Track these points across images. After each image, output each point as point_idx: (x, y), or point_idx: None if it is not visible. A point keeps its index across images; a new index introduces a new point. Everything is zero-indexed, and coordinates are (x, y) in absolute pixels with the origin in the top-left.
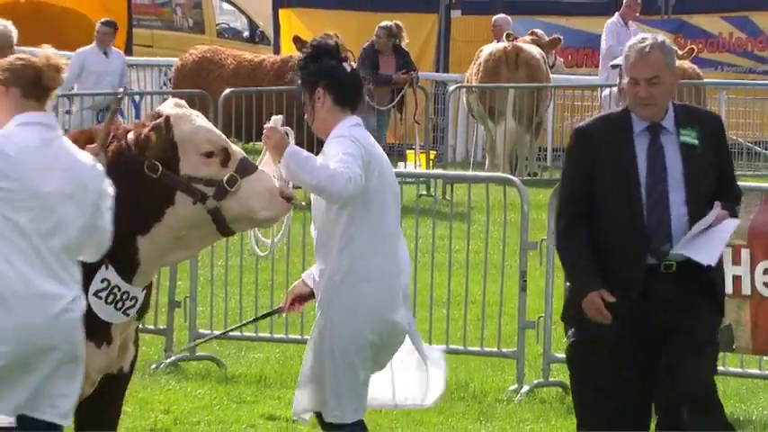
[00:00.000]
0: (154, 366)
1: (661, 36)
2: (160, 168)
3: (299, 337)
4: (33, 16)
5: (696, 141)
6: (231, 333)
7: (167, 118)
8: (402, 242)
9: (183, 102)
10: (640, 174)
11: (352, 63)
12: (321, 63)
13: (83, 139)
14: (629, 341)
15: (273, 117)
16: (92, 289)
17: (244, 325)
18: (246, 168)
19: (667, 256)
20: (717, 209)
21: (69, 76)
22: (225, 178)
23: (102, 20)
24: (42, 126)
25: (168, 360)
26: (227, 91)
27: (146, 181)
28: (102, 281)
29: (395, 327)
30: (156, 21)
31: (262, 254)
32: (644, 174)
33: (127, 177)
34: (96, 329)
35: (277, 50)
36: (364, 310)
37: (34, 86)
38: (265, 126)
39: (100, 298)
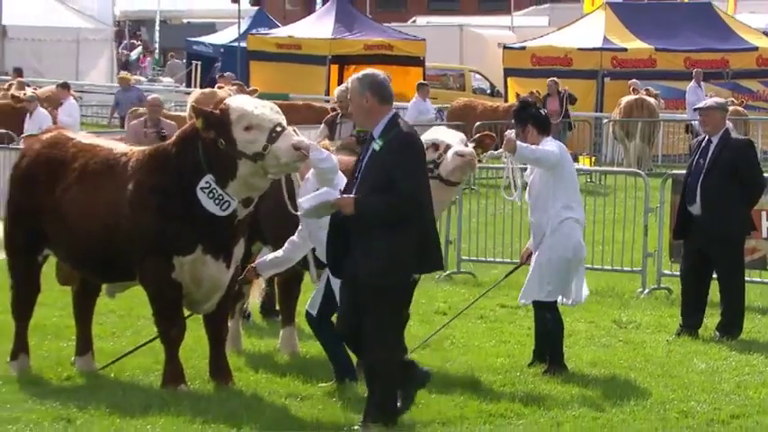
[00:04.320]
0: (437, 277)
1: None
2: None
3: (507, 260)
4: None
5: (378, 148)
6: (491, 260)
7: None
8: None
9: (441, 127)
10: None
11: (544, 110)
12: (528, 111)
13: None
14: None
15: (508, 131)
16: None
17: None
18: (449, 147)
19: None
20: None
21: (410, 114)
22: (436, 157)
23: (421, 82)
24: None
25: (444, 274)
26: (478, 123)
27: None
28: None
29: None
30: (438, 84)
31: (509, 198)
32: None
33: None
34: None
35: (505, 101)
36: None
37: None
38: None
39: None
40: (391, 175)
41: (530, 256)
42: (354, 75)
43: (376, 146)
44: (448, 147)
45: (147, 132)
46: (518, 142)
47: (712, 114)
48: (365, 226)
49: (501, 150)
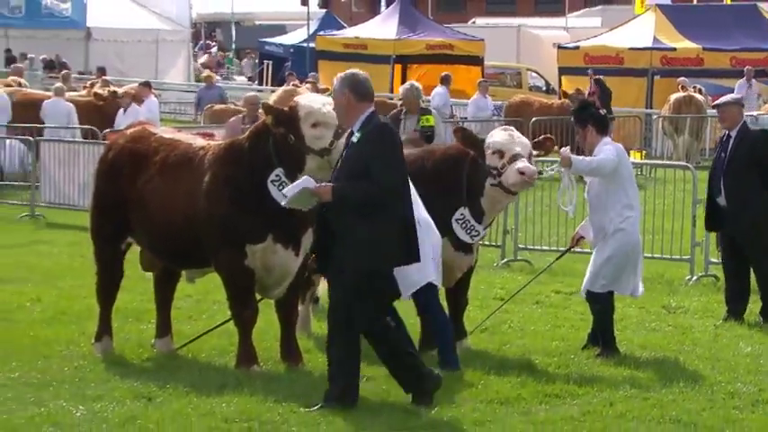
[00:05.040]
0: (495, 264)
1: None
2: (480, 162)
3: (562, 248)
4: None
5: (356, 140)
6: (546, 248)
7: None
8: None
9: (510, 127)
10: None
11: (602, 111)
12: (588, 111)
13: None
14: None
15: (563, 149)
16: (454, 216)
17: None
18: (514, 158)
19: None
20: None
21: (470, 111)
22: (500, 165)
23: (482, 80)
24: None
25: (502, 261)
26: (533, 119)
27: (478, 172)
28: (460, 215)
29: (639, 243)
30: (496, 82)
31: (565, 208)
32: None
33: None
34: (462, 246)
35: (559, 98)
36: (632, 235)
37: None
38: (561, 152)
39: (458, 224)
40: (370, 165)
41: (579, 240)
42: (339, 74)
43: (354, 138)
44: (514, 157)
45: (244, 129)
46: (573, 156)
47: (729, 110)
48: (345, 217)
49: (557, 167)
